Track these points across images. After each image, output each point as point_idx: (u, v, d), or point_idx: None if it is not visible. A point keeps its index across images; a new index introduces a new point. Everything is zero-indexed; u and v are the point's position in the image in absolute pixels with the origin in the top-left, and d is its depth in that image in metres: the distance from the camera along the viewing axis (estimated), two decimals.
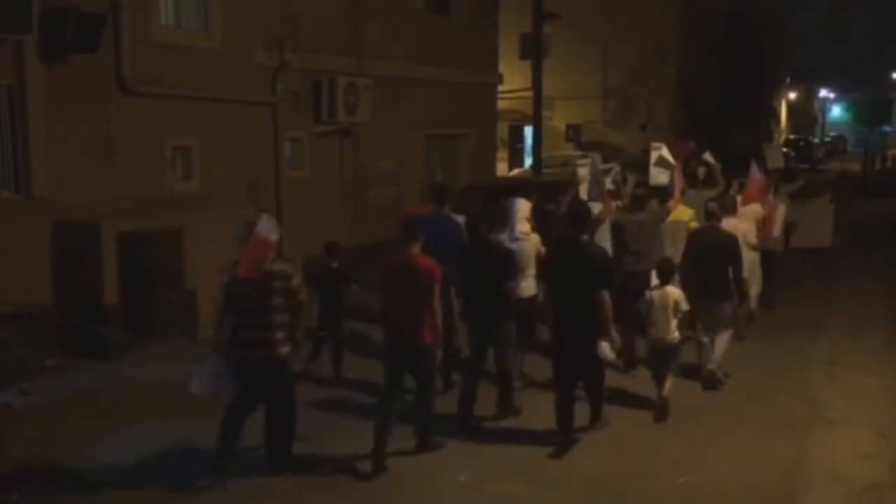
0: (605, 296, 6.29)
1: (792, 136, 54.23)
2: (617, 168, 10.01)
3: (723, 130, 34.05)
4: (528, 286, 7.40)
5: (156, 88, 9.90)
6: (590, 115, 31.32)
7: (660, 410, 7.05)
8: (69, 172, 8.99)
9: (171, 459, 6.25)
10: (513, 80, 20.80)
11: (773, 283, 10.56)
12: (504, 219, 7.52)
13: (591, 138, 30.00)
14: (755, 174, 10.44)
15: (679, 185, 8.92)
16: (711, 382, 7.82)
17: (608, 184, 9.11)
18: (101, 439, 6.56)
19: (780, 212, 10.38)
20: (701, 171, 10.86)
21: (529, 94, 20.15)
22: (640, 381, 7.98)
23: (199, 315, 9.28)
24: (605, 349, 6.37)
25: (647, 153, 10.53)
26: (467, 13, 16.38)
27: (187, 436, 6.57)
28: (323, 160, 12.93)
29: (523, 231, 7.53)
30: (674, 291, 7.27)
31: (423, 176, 15.40)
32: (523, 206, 7.67)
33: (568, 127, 31.20)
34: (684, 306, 7.24)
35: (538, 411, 7.27)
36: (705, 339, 7.88)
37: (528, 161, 25.18)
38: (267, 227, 5.85)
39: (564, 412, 6.47)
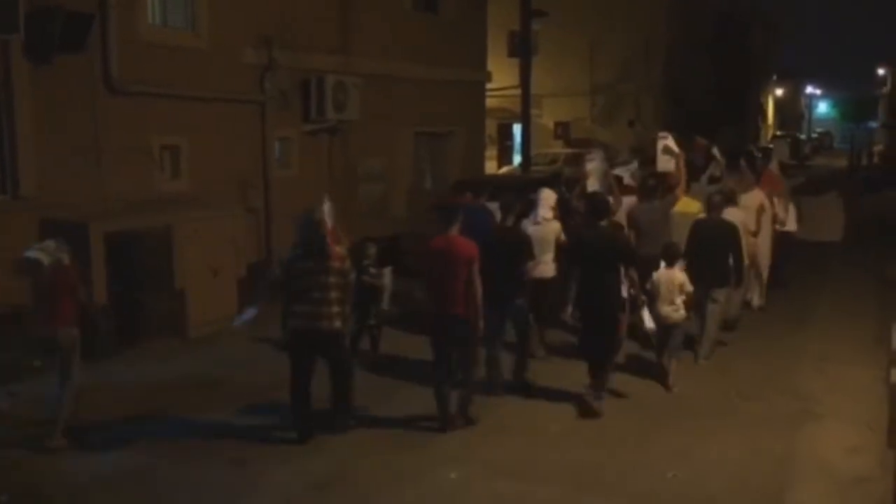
0: (634, 272, 7.16)
1: (779, 133, 54.49)
2: (635, 164, 11.16)
3: (711, 127, 34.17)
4: (546, 269, 8.14)
5: (143, 88, 9.87)
6: (578, 113, 31.38)
7: (664, 378, 7.82)
8: (56, 172, 8.95)
9: (155, 458, 6.23)
10: (501, 78, 20.81)
11: (788, 263, 11.49)
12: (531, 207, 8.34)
13: (580, 135, 30.08)
14: (773, 166, 11.82)
15: (683, 172, 9.59)
16: (708, 354, 8.56)
17: (627, 178, 10.17)
18: (84, 440, 6.53)
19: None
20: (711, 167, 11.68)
21: (518, 91, 20.15)
22: (627, 378, 8.02)
23: (188, 315, 9.28)
24: (646, 318, 7.57)
25: (635, 150, 11.23)
26: (455, 11, 16.37)
27: (174, 434, 6.56)
28: (311, 159, 12.92)
29: (544, 217, 8.26)
30: (679, 273, 7.82)
31: (411, 174, 15.39)
32: (548, 196, 8.45)
33: (556, 124, 31.26)
34: (688, 287, 7.81)
35: (526, 409, 7.30)
36: (702, 319, 8.55)
37: (517, 159, 25.21)
38: (328, 213, 6.65)
39: (595, 374, 7.25)
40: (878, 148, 40.12)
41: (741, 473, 5.98)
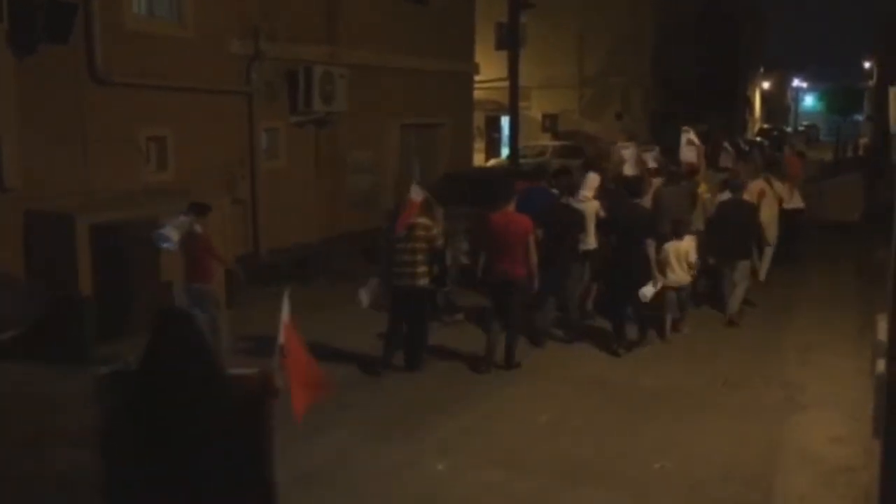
0: (651, 244, 8.52)
1: (765, 125, 54.71)
2: (657, 150, 12.93)
3: (698, 119, 34.26)
4: (588, 241, 9.26)
5: (129, 78, 9.80)
6: (566, 105, 31.39)
7: (675, 328, 9.16)
8: (41, 164, 8.87)
9: None
10: (489, 70, 20.78)
11: (798, 240, 12.75)
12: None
13: (568, 128, 30.09)
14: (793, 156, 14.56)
15: (703, 162, 11.53)
16: (736, 319, 9.67)
17: (650, 162, 11.56)
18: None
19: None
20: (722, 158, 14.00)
21: (506, 83, 20.14)
22: (617, 369, 8.05)
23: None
24: (647, 290, 8.39)
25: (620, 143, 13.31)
26: (443, 2, 16.32)
27: None
28: (299, 150, 12.87)
29: (585, 195, 9.32)
30: (685, 244, 9.05)
31: (399, 166, 15.37)
32: (592, 178, 9.54)
33: (544, 116, 31.27)
34: (693, 256, 9.05)
35: (514, 400, 7.32)
36: (729, 287, 9.71)
37: (505, 151, 25.20)
38: (415, 192, 7.90)
39: (619, 326, 8.61)
40: (863, 141, 40.30)
41: (727, 462, 6.01)
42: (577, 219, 8.90)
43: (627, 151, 11.69)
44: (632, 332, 8.72)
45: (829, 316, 10.12)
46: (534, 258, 7.92)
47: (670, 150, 13.17)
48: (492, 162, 25.97)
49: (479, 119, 24.13)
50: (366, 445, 6.29)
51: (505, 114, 23.69)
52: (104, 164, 9.57)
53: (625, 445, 6.32)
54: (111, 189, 9.55)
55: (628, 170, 11.18)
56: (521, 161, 20.39)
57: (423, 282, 7.81)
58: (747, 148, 22.48)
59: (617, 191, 9.90)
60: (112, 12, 9.64)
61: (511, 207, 8.06)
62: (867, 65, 52.39)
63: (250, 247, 11.74)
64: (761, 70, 58.73)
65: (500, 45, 21.40)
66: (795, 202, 12.66)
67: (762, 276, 11.33)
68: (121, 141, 9.81)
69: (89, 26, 9.31)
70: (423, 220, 7.82)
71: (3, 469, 3.57)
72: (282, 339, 3.81)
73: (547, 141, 27.61)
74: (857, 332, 9.13)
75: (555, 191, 9.62)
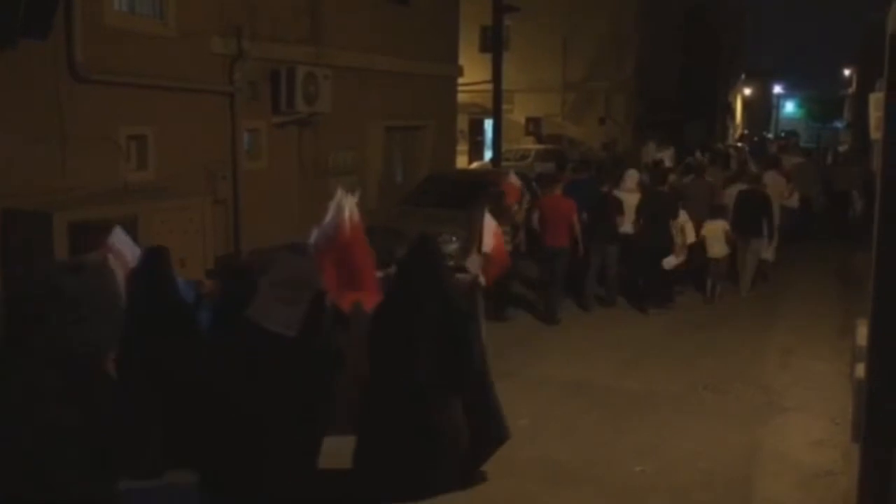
0: (675, 224, 10.50)
1: (746, 132, 55.14)
2: (672, 150, 16.63)
3: (679, 124, 34.50)
4: (628, 226, 10.79)
5: (109, 76, 9.69)
6: (549, 109, 31.46)
7: (710, 299, 11.21)
8: (19, 161, 8.76)
9: None
10: (473, 73, 20.78)
11: (804, 227, 15.09)
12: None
13: (551, 131, 30.17)
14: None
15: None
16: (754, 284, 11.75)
17: (668, 161, 14.66)
18: None
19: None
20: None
21: (489, 87, 20.15)
22: (599, 372, 8.05)
23: None
24: (668, 261, 10.40)
25: (606, 147, 16.32)
26: (428, 4, 16.31)
27: None
28: (281, 151, 12.80)
29: (628, 189, 11.22)
30: (722, 223, 11.15)
31: (382, 167, 15.33)
32: (633, 174, 11.70)
33: (528, 120, 31.32)
34: (727, 229, 11.12)
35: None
36: (742, 262, 11.55)
37: (488, 154, 25.22)
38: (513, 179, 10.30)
39: (643, 293, 10.69)
40: (843, 148, 40.71)
41: (708, 466, 6.02)
42: (617, 206, 10.70)
43: (668, 152, 15.83)
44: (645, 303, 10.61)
45: (809, 320, 10.20)
46: (576, 231, 10.00)
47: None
48: (475, 164, 25.98)
49: (462, 122, 24.12)
50: None
51: (488, 117, 23.70)
52: (83, 161, 9.46)
53: (606, 448, 6.32)
54: (90, 187, 9.45)
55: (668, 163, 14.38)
56: (505, 164, 20.40)
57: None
58: (733, 153, 22.96)
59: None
60: (92, 8, 9.53)
61: (558, 192, 10.23)
62: (847, 72, 52.97)
63: (231, 247, 11.66)
64: (743, 77, 59.19)
65: (484, 49, 21.44)
66: (792, 202, 13.99)
67: (770, 256, 12.32)
68: (100, 139, 9.70)
69: (69, 22, 9.19)
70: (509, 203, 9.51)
71: None
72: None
73: (530, 144, 27.67)
74: (836, 337, 9.20)
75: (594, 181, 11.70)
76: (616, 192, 11.04)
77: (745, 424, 6.82)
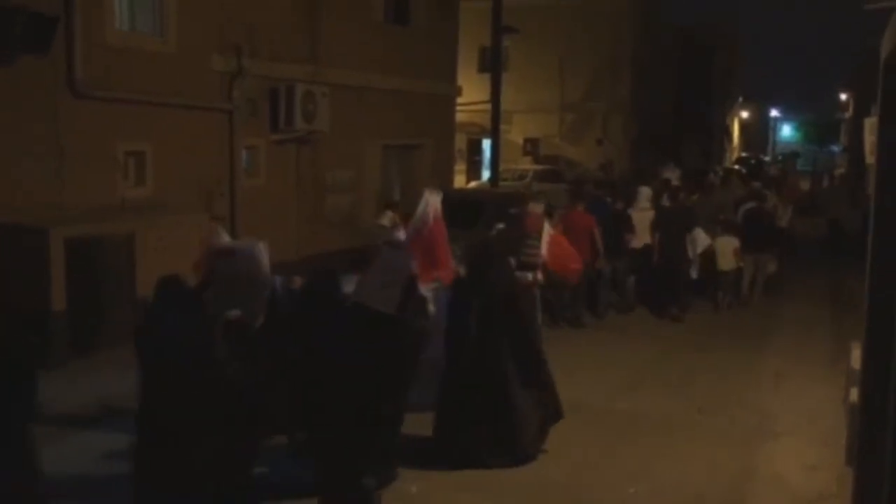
0: (690, 238, 11.41)
1: (744, 154, 55.34)
2: (678, 171, 16.81)
3: (676, 146, 34.66)
4: (640, 241, 11.63)
5: (108, 92, 9.75)
6: (547, 130, 31.59)
7: (723, 308, 11.96)
8: (16, 176, 8.79)
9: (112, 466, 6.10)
10: (471, 93, 20.88)
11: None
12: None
13: (549, 152, 30.27)
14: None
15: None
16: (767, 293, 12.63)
17: (675, 181, 14.74)
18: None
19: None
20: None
21: (488, 106, 20.22)
22: (593, 393, 8.04)
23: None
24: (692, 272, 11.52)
25: (603, 167, 16.49)
26: (427, 24, 16.43)
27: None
28: (279, 168, 12.84)
29: (642, 207, 11.92)
30: (733, 238, 11.89)
31: (380, 186, 15.36)
32: (646, 191, 12.31)
33: (526, 141, 31.43)
34: (736, 244, 11.84)
35: None
36: (752, 276, 12.24)
37: (486, 174, 25.27)
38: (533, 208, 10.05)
39: (665, 303, 11.51)
40: (839, 171, 40.85)
41: (701, 489, 6.00)
42: (627, 223, 11.60)
43: (675, 173, 16.19)
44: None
45: (803, 343, 10.20)
46: (597, 244, 10.72)
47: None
48: (473, 184, 26.03)
49: (461, 141, 24.20)
50: None
51: (487, 137, 23.77)
52: (81, 177, 9.49)
53: (599, 470, 6.30)
54: (88, 203, 9.47)
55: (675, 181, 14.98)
56: (502, 184, 20.45)
57: None
58: (721, 174, 23.35)
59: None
60: (93, 26, 9.61)
61: (580, 208, 11.05)
62: (843, 97, 53.27)
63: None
64: (740, 100, 59.50)
65: (482, 69, 21.54)
66: (783, 221, 14.56)
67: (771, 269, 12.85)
68: (99, 155, 9.74)
69: (70, 39, 9.26)
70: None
71: None
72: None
73: (528, 165, 27.74)
74: (830, 360, 9.20)
75: (609, 199, 12.56)
76: (629, 210, 11.92)
77: (739, 448, 6.81)
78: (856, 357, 6.68)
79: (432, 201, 6.58)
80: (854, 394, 6.16)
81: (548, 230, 9.31)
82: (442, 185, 16.81)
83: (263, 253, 5.58)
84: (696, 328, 11.09)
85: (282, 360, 5.12)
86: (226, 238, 6.02)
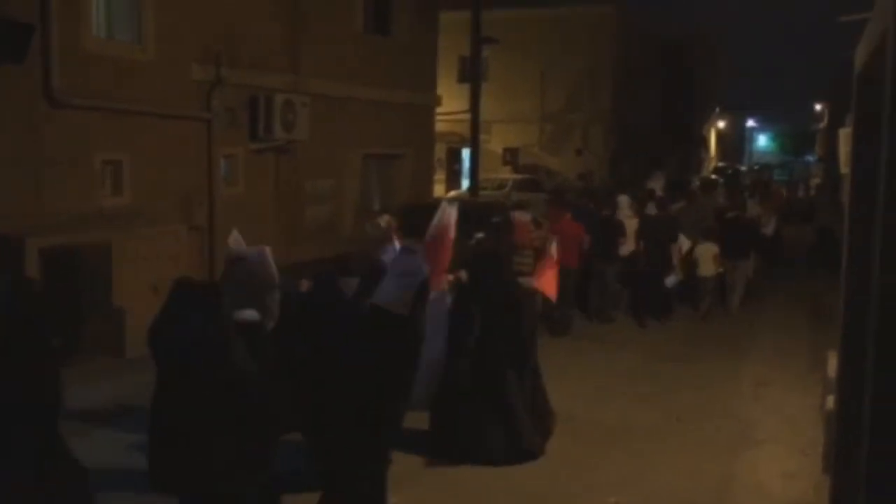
0: (673, 247, 11.84)
1: (721, 164, 55.80)
2: (663, 180, 17.86)
3: (655, 157, 34.91)
4: (627, 249, 11.99)
5: (86, 101, 9.67)
6: (527, 139, 31.71)
7: (703, 314, 12.15)
8: None
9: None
10: (451, 103, 20.94)
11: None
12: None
13: (528, 162, 30.37)
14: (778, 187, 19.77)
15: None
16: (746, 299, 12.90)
17: (658, 191, 15.29)
18: None
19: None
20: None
21: (467, 116, 20.30)
22: (574, 403, 8.05)
23: (127, 334, 9.03)
24: (669, 280, 11.79)
25: (582, 177, 16.41)
26: (407, 35, 16.46)
27: (95, 458, 6.34)
28: (258, 177, 12.79)
29: (626, 214, 12.47)
30: (713, 245, 12.15)
31: (359, 195, 15.34)
32: (625, 200, 13.10)
33: (505, 150, 31.52)
34: (715, 251, 12.12)
35: None
36: (732, 283, 12.57)
37: (466, 183, 25.31)
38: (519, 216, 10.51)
39: (646, 309, 11.82)
40: (815, 181, 41.33)
41: (682, 498, 6.02)
42: (620, 229, 11.93)
43: (660, 182, 16.96)
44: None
45: (782, 352, 10.28)
46: (584, 250, 10.98)
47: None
48: (452, 193, 26.05)
49: (440, 151, 24.25)
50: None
51: (466, 146, 23.83)
52: (58, 187, 9.40)
53: (581, 480, 6.30)
54: (65, 212, 9.38)
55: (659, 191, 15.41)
56: (482, 193, 20.50)
57: None
58: (698, 184, 23.86)
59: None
60: (70, 34, 9.54)
61: (568, 216, 11.17)
62: (818, 107, 53.92)
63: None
64: (717, 110, 60.04)
65: (462, 79, 21.61)
66: (767, 229, 14.83)
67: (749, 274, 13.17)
68: (76, 164, 9.66)
69: (46, 47, 9.19)
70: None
71: None
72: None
73: (507, 174, 27.82)
74: (808, 369, 9.27)
75: (591, 207, 13.06)
76: (617, 217, 12.32)
77: (719, 456, 6.84)
78: (832, 365, 6.74)
79: (450, 211, 7.01)
80: (830, 401, 6.21)
81: (551, 254, 9.19)
82: (421, 195, 16.91)
83: (270, 258, 5.90)
84: (676, 337, 11.16)
85: (290, 359, 5.35)
86: (243, 243, 6.30)
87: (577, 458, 6.73)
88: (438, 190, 24.03)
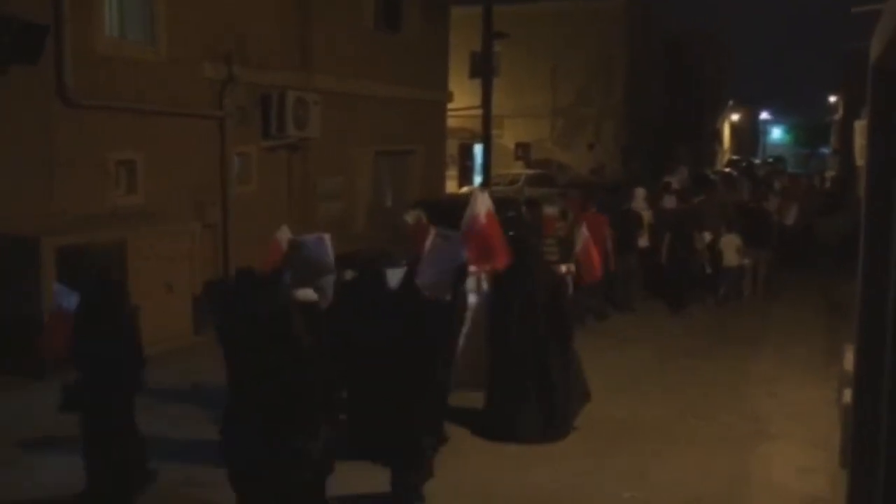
0: (697, 237, 12.38)
1: (735, 157, 55.52)
2: (685, 172, 19.21)
3: (667, 150, 34.76)
4: (642, 241, 12.60)
5: (99, 101, 9.72)
6: (539, 134, 31.64)
7: (720, 300, 12.66)
8: (8, 185, 8.76)
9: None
10: (463, 98, 20.92)
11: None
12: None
13: (540, 157, 30.32)
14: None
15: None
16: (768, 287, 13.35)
17: (675, 184, 15.98)
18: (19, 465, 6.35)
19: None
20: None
21: (479, 112, 20.27)
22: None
23: (141, 331, 9.04)
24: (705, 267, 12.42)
25: (594, 172, 17.33)
26: (418, 31, 16.45)
27: None
28: (271, 175, 12.82)
29: (641, 206, 13.01)
30: (736, 237, 12.63)
31: (371, 192, 15.35)
32: (641, 192, 13.36)
33: (517, 145, 31.48)
34: (738, 242, 12.59)
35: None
36: (753, 272, 13.07)
37: (478, 179, 25.30)
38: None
39: (678, 296, 12.31)
40: (829, 174, 41.04)
41: (696, 494, 6.00)
42: (639, 221, 12.51)
43: (680, 176, 17.52)
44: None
45: (796, 346, 10.21)
46: (608, 243, 11.29)
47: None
48: (465, 189, 26.05)
49: (452, 147, 24.23)
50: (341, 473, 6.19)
51: (478, 142, 23.81)
52: (73, 186, 9.46)
53: (594, 476, 6.29)
54: (79, 212, 9.43)
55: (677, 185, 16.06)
56: (494, 188, 20.47)
57: None
58: (716, 177, 23.66)
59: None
60: (84, 35, 9.58)
61: (593, 208, 11.70)
62: (832, 99, 53.49)
63: (220, 272, 11.63)
64: (731, 103, 59.69)
65: (474, 74, 21.56)
66: (788, 218, 14.96)
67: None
68: (90, 164, 9.71)
69: (60, 48, 9.24)
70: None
71: None
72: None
73: (519, 169, 27.78)
74: (823, 363, 9.22)
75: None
76: (633, 209, 12.80)
77: (733, 452, 6.81)
78: (848, 359, 6.70)
79: (482, 199, 7.55)
80: (847, 395, 6.17)
81: (584, 234, 10.03)
82: (433, 191, 16.91)
83: (328, 245, 6.42)
84: (689, 331, 11.11)
85: (342, 337, 5.87)
86: (290, 235, 7.17)
87: (591, 454, 6.72)
88: (451, 186, 24.04)
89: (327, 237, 6.54)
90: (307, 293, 5.94)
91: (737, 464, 6.56)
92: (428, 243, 6.71)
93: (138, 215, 10.11)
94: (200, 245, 10.49)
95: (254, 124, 12.30)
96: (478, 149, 25.92)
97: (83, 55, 9.54)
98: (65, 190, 9.40)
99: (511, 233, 9.51)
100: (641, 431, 7.25)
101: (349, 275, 6.56)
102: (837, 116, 46.34)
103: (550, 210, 11.15)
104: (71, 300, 5.92)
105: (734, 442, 7.03)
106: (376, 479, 5.74)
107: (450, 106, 18.70)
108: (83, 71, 9.52)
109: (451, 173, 25.69)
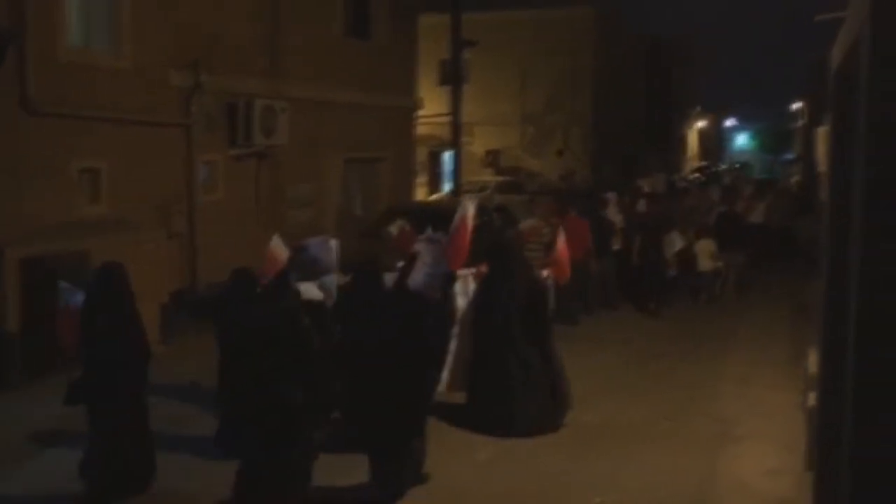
0: (665, 239, 12.72)
1: (703, 163, 56.11)
2: (662, 176, 19.87)
3: (635, 157, 35.07)
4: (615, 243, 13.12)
5: (62, 109, 9.58)
6: (508, 141, 31.73)
7: (702, 303, 13.25)
8: None
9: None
10: (432, 106, 20.92)
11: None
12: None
13: (510, 164, 30.41)
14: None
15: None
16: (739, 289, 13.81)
17: (647, 188, 16.18)
18: None
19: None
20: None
21: (449, 119, 20.29)
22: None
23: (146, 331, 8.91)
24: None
25: (563, 178, 17.68)
26: (387, 38, 16.44)
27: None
28: (238, 183, 12.72)
29: (612, 211, 13.51)
30: (710, 241, 13.21)
31: (340, 199, 15.29)
32: (612, 197, 14.03)
33: (487, 152, 31.53)
34: (713, 248, 13.15)
35: (452, 438, 7.25)
36: (725, 275, 13.52)
37: (448, 186, 25.30)
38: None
39: (646, 297, 12.67)
40: (794, 179, 41.60)
41: (666, 496, 6.04)
42: (612, 227, 12.98)
43: (655, 179, 18.70)
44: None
45: (764, 349, 10.34)
46: (589, 246, 11.77)
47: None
48: (434, 196, 26.04)
49: (422, 154, 24.21)
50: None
51: (448, 149, 23.81)
52: (36, 195, 9.30)
53: (564, 480, 6.31)
54: (43, 221, 9.28)
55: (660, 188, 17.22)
56: (464, 195, 20.48)
57: None
58: (685, 185, 24.02)
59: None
60: (46, 42, 9.44)
61: (573, 213, 12.13)
62: (794, 106, 54.26)
63: (187, 281, 11.51)
64: (698, 109, 60.34)
65: (443, 81, 21.56)
66: (755, 217, 15.67)
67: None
68: (53, 173, 9.56)
69: (22, 55, 9.09)
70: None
71: None
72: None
73: (489, 176, 27.83)
74: (793, 364, 9.33)
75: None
76: (605, 215, 13.23)
77: (702, 454, 6.87)
78: (813, 362, 6.79)
79: (469, 206, 8.07)
80: (812, 398, 6.25)
81: (560, 236, 10.03)
82: (401, 198, 16.89)
83: (333, 246, 6.79)
84: (662, 335, 11.21)
85: (343, 335, 6.16)
86: (283, 245, 7.47)
87: (561, 458, 6.74)
88: (420, 193, 24.02)
89: (334, 241, 6.95)
90: (311, 290, 6.22)
91: (705, 466, 6.62)
92: (415, 248, 7.03)
93: (103, 224, 9.97)
94: (167, 254, 10.36)
95: (221, 132, 12.20)
96: (447, 156, 25.93)
97: (46, 63, 9.40)
98: (29, 199, 9.24)
99: (491, 238, 9.82)
100: (612, 434, 7.29)
101: (342, 279, 6.76)
102: (800, 123, 47.02)
103: (531, 221, 11.69)
104: (77, 298, 6.09)
105: (704, 444, 7.09)
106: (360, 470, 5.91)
107: (420, 113, 18.69)
108: (46, 78, 9.37)
109: (421, 180, 25.67)
